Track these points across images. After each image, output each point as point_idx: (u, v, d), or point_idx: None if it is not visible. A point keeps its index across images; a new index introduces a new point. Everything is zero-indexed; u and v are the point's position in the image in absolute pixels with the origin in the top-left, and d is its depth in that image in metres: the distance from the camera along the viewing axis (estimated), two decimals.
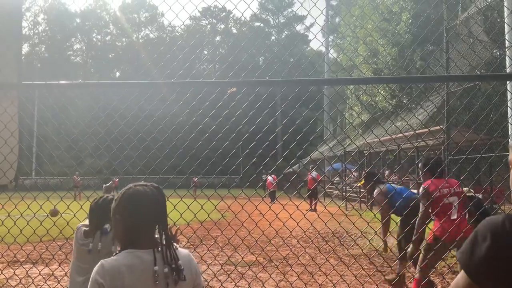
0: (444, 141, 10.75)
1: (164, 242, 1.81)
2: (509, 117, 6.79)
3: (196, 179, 27.97)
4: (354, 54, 25.39)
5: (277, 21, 59.19)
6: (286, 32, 58.68)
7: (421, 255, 4.63)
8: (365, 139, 6.84)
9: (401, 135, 5.03)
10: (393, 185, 6.16)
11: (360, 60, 24.00)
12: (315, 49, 50.52)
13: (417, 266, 4.65)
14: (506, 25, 4.76)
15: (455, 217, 4.54)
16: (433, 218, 4.64)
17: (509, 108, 6.58)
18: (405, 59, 19.47)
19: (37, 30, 51.08)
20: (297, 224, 3.63)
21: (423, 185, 4.75)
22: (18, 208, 3.73)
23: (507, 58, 7.70)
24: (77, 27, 50.31)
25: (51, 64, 44.52)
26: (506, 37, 5.34)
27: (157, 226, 1.86)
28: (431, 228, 4.73)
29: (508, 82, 6.26)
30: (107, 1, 53.07)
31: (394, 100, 19.47)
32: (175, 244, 1.89)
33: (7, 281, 2.52)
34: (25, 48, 49.68)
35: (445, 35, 11.56)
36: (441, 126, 11.13)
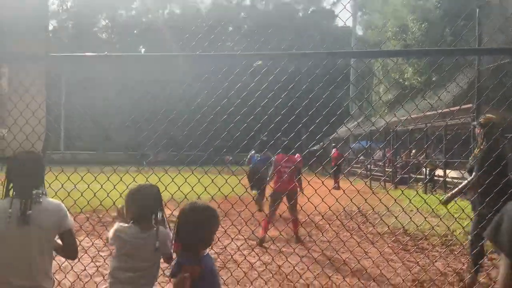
0: (474, 120, 10.44)
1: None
2: None
3: (230, 157, 27.12)
4: (383, 29, 24.74)
5: None
6: (312, 8, 57.22)
7: None
8: (395, 115, 6.66)
9: (430, 112, 4.88)
10: None
11: (388, 36, 23.35)
12: (342, 25, 49.49)
13: None
14: None
15: None
16: None
17: None
18: (436, 35, 18.83)
19: (65, 6, 51.54)
20: (322, 200, 3.59)
21: None
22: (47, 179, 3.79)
23: None
24: (103, 4, 50.52)
25: (78, 40, 44.95)
26: None
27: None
28: None
29: None
30: None
31: (423, 77, 18.97)
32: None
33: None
34: (54, 24, 50.36)
35: (477, 9, 11.07)
36: (472, 105, 10.80)
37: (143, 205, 2.64)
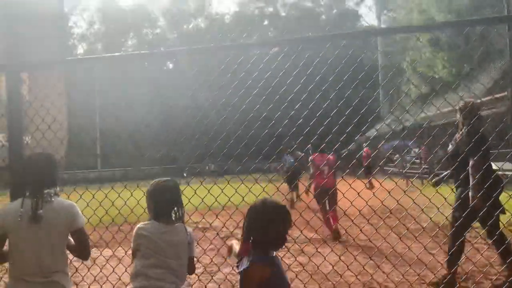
0: (510, 109, 10.16)
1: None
2: None
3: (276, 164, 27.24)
4: (409, 24, 24.32)
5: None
6: (335, 10, 56.65)
7: None
8: (423, 111, 6.57)
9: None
10: None
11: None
12: (367, 24, 48.91)
13: None
14: None
15: None
16: None
17: None
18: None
19: (93, 29, 53.14)
20: (358, 194, 3.60)
21: None
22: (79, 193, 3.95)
23: None
24: (130, 24, 51.78)
25: (109, 60, 46.12)
26: None
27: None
28: None
29: None
30: None
31: (453, 69, 18.54)
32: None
33: (71, 262, 2.69)
34: (83, 48, 51.97)
35: None
36: (506, 93, 10.51)
37: (161, 201, 2.65)
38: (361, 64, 3.97)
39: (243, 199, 3.70)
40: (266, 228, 2.17)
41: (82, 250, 2.71)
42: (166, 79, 41.94)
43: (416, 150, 22.25)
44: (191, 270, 2.73)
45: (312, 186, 8.59)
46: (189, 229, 2.70)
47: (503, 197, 4.50)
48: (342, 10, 55.75)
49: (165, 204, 2.66)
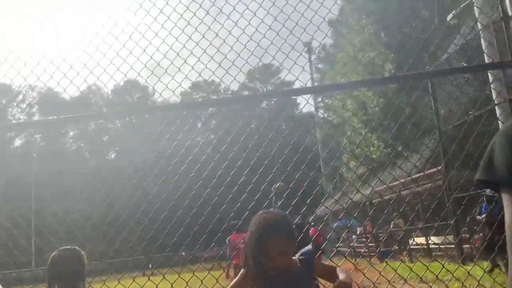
0: (444, 182, 10.75)
1: None
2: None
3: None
4: (343, 109, 25.93)
5: (265, 88, 60.36)
6: (275, 99, 59.47)
7: None
8: (359, 190, 6.80)
9: (398, 182, 5.06)
10: None
11: (349, 115, 24.47)
12: (305, 111, 51.53)
13: None
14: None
15: None
16: None
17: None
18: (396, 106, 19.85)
19: (32, 120, 52.05)
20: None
21: None
22: None
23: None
24: (71, 114, 51.26)
25: (47, 153, 44.92)
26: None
27: None
28: None
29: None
30: (99, 86, 54.65)
31: (389, 149, 19.65)
32: None
33: None
34: (21, 140, 50.41)
35: (429, 81, 11.86)
36: (438, 168, 11.17)
37: (59, 275, 2.41)
38: (304, 149, 4.12)
39: None
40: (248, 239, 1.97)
41: None
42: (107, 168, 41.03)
43: (360, 228, 22.70)
44: None
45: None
46: None
47: None
48: (282, 98, 58.67)
49: (63, 280, 2.37)
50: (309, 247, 2.09)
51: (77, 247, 2.58)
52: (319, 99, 42.56)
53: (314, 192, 3.72)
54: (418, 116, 12.39)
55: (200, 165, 3.49)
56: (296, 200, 3.97)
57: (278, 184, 5.90)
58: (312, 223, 21.13)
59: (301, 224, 6.24)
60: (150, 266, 22.55)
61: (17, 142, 50.48)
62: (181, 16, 3.67)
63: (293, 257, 2.01)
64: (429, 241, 13.87)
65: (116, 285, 3.22)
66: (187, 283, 3.43)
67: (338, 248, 23.60)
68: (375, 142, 20.78)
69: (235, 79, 3.91)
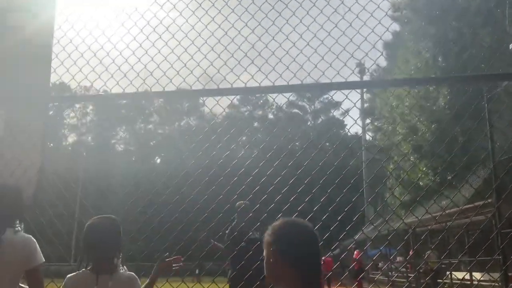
0: (495, 215, 10.12)
1: None
2: None
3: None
4: (392, 133, 25.23)
5: (313, 107, 59.68)
6: (322, 118, 58.67)
7: None
8: (403, 220, 6.47)
9: (449, 210, 4.76)
10: None
11: (399, 139, 23.70)
12: (351, 133, 50.61)
13: None
14: None
15: None
16: None
17: None
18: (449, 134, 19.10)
19: (84, 120, 54.19)
20: None
21: None
22: None
23: None
24: (122, 117, 52.92)
25: (96, 152, 46.50)
26: None
27: None
28: None
29: None
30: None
31: (437, 176, 18.86)
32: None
33: None
34: (73, 138, 52.58)
35: (485, 104, 11.25)
36: (490, 200, 10.53)
37: (94, 244, 2.33)
38: (348, 171, 3.96)
39: None
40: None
41: None
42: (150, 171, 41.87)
43: (400, 258, 21.86)
44: None
45: None
46: (131, 276, 2.34)
47: None
48: (328, 117, 57.95)
49: (99, 248, 2.31)
50: None
51: (113, 216, 2.51)
52: (368, 121, 41.78)
53: (354, 219, 3.53)
54: (471, 144, 11.80)
55: (237, 178, 3.39)
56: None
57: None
58: (354, 246, 20.61)
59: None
60: (197, 271, 22.81)
61: (70, 139, 52.67)
62: (239, 32, 3.59)
63: None
64: (473, 278, 13.07)
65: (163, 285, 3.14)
66: None
67: (373, 276, 22.85)
68: (424, 169, 20.03)
69: (283, 95, 3.79)
